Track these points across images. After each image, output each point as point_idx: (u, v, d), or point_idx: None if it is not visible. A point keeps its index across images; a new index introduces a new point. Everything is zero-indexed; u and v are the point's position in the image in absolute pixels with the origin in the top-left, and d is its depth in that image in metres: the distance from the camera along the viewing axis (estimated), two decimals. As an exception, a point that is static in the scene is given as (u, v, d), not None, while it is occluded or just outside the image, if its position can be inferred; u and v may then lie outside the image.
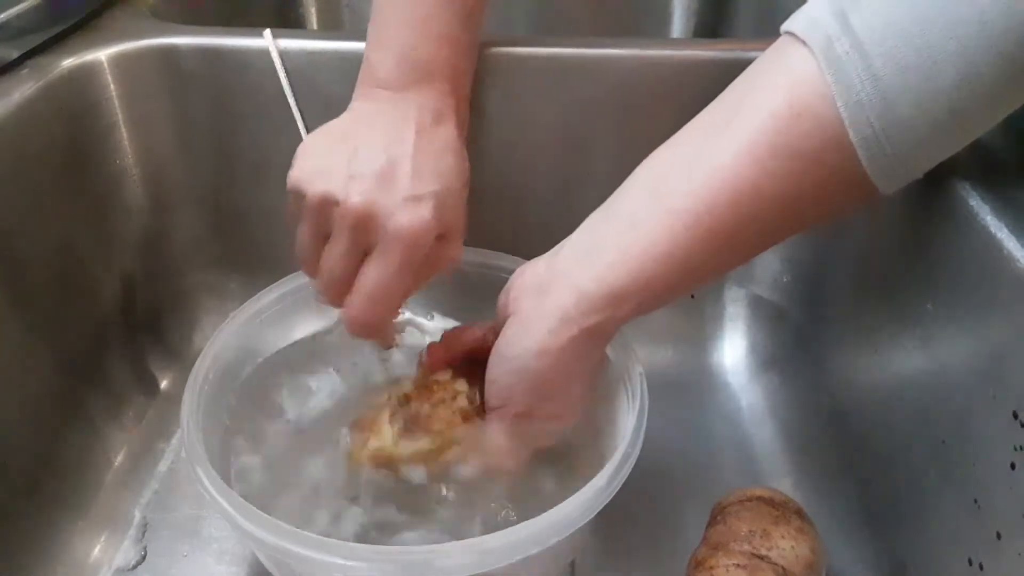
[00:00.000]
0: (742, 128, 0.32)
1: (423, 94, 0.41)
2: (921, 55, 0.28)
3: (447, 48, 0.42)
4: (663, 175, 0.35)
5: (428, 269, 0.40)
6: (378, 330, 0.41)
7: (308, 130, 0.49)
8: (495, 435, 0.40)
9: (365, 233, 0.37)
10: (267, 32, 0.49)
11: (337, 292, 0.39)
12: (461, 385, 0.42)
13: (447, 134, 0.41)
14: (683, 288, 0.35)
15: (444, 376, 0.43)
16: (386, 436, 0.41)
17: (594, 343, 0.37)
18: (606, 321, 0.35)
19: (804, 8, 0.32)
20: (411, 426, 0.41)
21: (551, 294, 0.36)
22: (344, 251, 0.38)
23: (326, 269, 0.39)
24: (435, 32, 0.41)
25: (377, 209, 0.37)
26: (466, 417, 0.41)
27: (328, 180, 0.38)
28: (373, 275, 0.38)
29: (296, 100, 0.50)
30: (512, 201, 0.55)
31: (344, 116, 0.42)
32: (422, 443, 0.40)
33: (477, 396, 0.42)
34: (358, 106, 0.42)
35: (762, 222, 0.33)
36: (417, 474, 0.40)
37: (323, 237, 0.39)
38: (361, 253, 0.38)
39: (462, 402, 0.41)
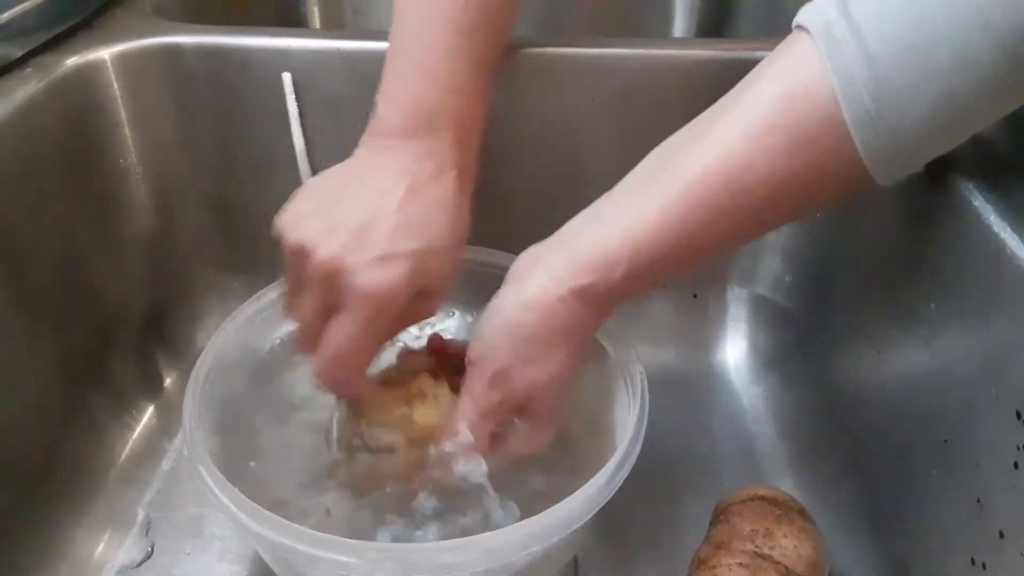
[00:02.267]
0: (740, 109, 0.33)
1: (425, 145, 0.40)
2: (917, 36, 0.29)
3: (454, 99, 0.41)
4: (663, 156, 0.36)
5: (402, 324, 0.39)
6: (346, 385, 0.40)
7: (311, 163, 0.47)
8: (464, 405, 0.38)
9: (332, 288, 0.36)
10: (286, 75, 0.48)
11: (307, 342, 0.39)
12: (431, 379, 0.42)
13: (443, 190, 0.39)
14: (675, 260, 0.35)
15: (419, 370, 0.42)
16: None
17: (584, 307, 0.36)
18: (597, 285, 0.35)
19: (812, 1, 0.33)
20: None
21: (545, 260, 0.37)
22: (313, 303, 0.38)
23: (299, 317, 0.39)
24: (442, 82, 0.40)
25: (345, 265, 0.35)
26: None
27: (305, 229, 0.37)
28: (338, 333, 0.37)
29: (305, 139, 0.48)
30: (515, 200, 0.55)
31: (344, 163, 0.41)
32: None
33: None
34: (359, 154, 0.41)
35: (754, 198, 0.33)
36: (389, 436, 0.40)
37: (302, 285, 0.38)
38: (330, 307, 0.37)
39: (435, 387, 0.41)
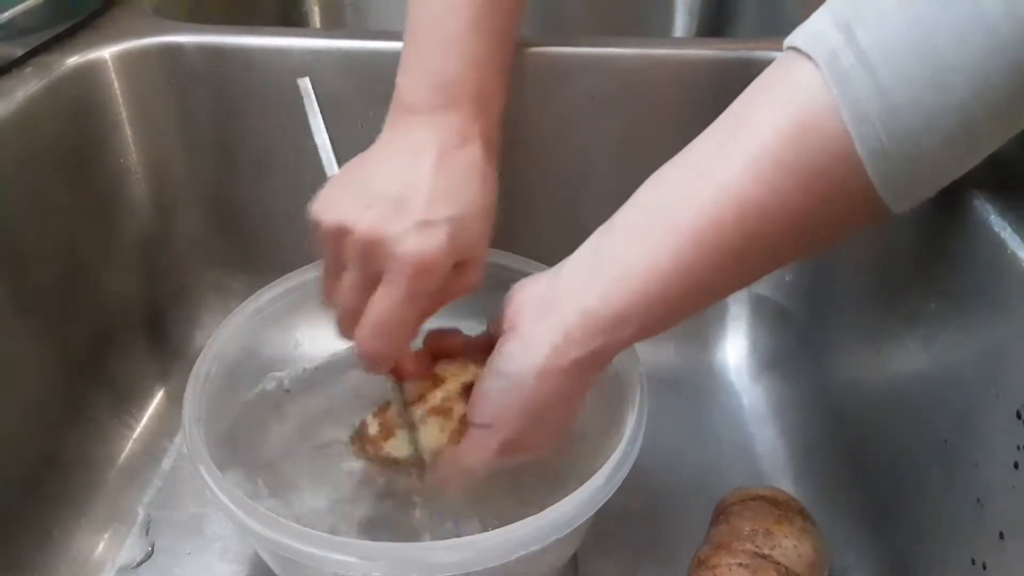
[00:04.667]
0: (746, 144, 0.31)
1: (448, 117, 0.39)
2: (930, 67, 0.28)
3: (474, 70, 0.40)
4: (668, 191, 0.34)
5: (443, 296, 0.38)
6: (390, 363, 0.39)
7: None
8: (463, 459, 0.38)
9: (374, 261, 0.36)
10: (303, 80, 0.47)
11: (349, 324, 0.38)
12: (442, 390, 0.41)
13: (471, 157, 0.39)
14: (688, 308, 0.34)
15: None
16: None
17: (594, 368, 0.36)
18: (609, 344, 0.34)
19: (807, 22, 0.31)
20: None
21: (554, 312, 0.35)
22: (355, 280, 0.37)
23: (340, 300, 0.38)
24: (462, 54, 0.40)
25: (385, 235, 0.35)
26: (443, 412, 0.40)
27: (342, 209, 0.36)
28: (380, 304, 0.36)
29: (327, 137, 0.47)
30: (515, 199, 0.55)
31: (372, 146, 0.41)
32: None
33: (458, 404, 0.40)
34: (385, 134, 0.41)
35: (769, 239, 0.32)
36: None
37: (341, 269, 0.38)
38: (373, 283, 0.36)
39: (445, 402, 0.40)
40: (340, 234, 0.36)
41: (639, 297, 0.33)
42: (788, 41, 0.32)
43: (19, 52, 0.48)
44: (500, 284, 0.41)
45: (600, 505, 0.36)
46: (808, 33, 0.31)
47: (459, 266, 0.37)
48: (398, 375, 0.41)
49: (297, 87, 0.45)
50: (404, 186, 0.36)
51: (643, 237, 0.34)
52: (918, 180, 0.30)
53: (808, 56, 0.30)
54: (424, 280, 0.36)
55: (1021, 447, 0.33)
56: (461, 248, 0.36)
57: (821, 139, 0.30)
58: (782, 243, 0.33)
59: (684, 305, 0.34)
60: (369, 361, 0.38)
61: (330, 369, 0.48)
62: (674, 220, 0.33)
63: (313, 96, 0.45)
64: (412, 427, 0.40)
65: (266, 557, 0.41)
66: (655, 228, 0.33)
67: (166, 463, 0.53)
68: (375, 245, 0.35)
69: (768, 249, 0.33)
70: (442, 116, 0.39)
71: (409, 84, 0.41)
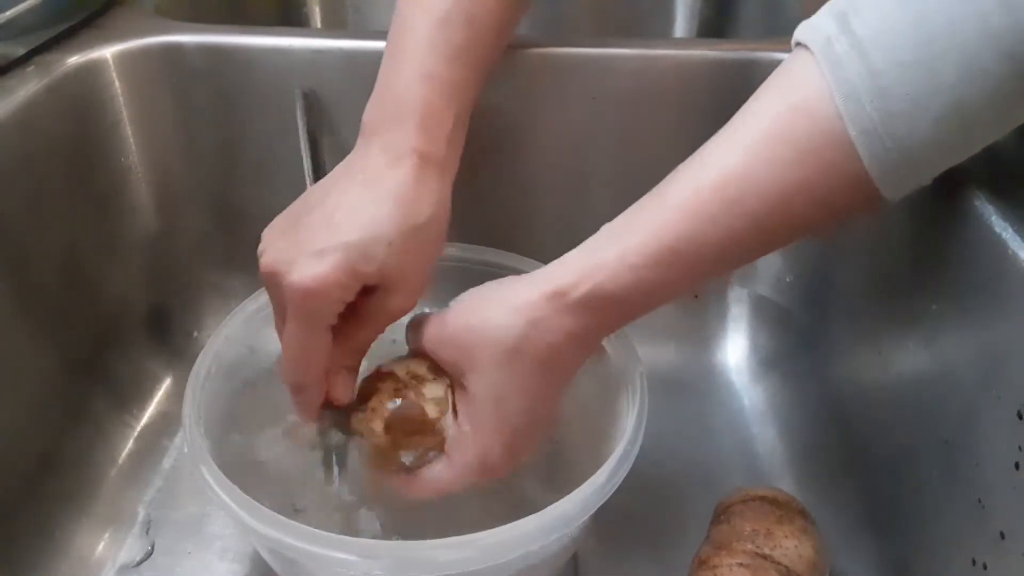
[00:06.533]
0: (740, 127, 0.33)
1: (385, 136, 0.39)
2: (920, 51, 0.28)
3: (422, 85, 0.39)
4: (668, 176, 0.35)
5: (372, 324, 0.38)
6: (308, 393, 0.39)
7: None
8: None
9: (274, 291, 0.37)
10: (297, 89, 0.47)
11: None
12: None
13: (397, 180, 0.38)
14: (667, 270, 0.34)
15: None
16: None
17: (564, 313, 0.35)
18: (578, 286, 0.34)
19: (811, 18, 0.32)
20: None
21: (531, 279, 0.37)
22: (274, 311, 0.38)
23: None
24: (412, 70, 0.40)
25: (278, 266, 0.36)
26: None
27: (265, 239, 0.38)
28: (284, 335, 0.37)
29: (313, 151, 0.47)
30: (516, 199, 0.55)
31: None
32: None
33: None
34: (345, 159, 0.41)
35: (750, 210, 0.32)
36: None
37: None
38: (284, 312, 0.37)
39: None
40: (259, 261, 0.37)
41: (612, 244, 0.35)
42: (793, 38, 0.33)
43: (21, 51, 0.48)
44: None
45: (600, 504, 0.36)
46: (808, 26, 0.32)
47: (377, 291, 0.37)
48: (330, 404, 0.40)
49: (295, 94, 0.45)
50: (311, 213, 0.37)
51: (630, 211, 0.35)
52: (910, 164, 0.31)
53: (806, 47, 0.31)
54: (312, 307, 0.36)
55: (1022, 447, 0.33)
56: (363, 273, 0.36)
57: (812, 120, 0.31)
58: (768, 219, 0.33)
59: (663, 265, 0.34)
60: (292, 392, 0.39)
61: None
62: (660, 191, 0.35)
63: (302, 109, 0.45)
64: (338, 453, 0.41)
65: (267, 556, 0.41)
66: (642, 202, 0.35)
67: (166, 463, 0.53)
68: (271, 276, 0.36)
69: (752, 222, 0.33)
70: (381, 136, 0.39)
71: (369, 107, 0.41)
